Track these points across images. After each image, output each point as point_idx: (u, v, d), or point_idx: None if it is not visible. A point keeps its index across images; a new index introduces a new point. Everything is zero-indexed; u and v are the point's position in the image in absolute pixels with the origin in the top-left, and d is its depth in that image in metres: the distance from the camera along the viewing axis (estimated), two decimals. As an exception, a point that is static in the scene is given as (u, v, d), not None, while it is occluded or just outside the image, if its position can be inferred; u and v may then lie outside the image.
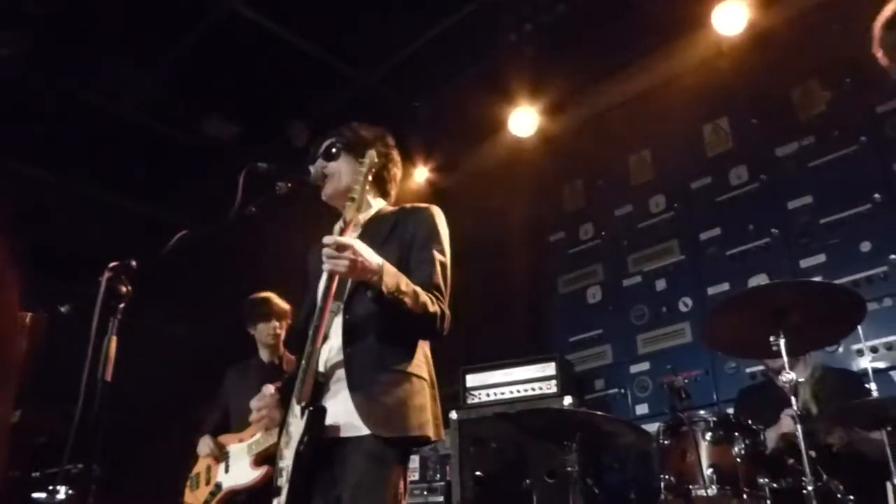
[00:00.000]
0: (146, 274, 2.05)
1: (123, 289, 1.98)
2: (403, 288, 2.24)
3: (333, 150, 2.61)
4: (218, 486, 4.00)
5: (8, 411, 0.58)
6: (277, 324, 4.30)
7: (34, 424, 4.01)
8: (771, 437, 3.18)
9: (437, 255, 2.46)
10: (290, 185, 2.47)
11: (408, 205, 2.67)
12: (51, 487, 4.09)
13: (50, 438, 4.06)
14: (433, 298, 2.35)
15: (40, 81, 5.02)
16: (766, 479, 2.88)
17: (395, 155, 2.74)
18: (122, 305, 1.96)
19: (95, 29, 4.75)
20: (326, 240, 2.20)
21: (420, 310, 2.28)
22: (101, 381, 1.86)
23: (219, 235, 2.39)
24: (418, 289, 2.31)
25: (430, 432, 2.33)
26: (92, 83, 5.20)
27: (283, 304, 4.35)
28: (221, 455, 4.05)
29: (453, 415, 4.90)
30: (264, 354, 4.34)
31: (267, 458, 3.78)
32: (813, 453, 2.68)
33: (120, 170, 5.77)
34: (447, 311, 2.40)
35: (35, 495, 4.14)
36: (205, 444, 4.09)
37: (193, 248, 2.28)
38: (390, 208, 2.67)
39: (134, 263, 2.01)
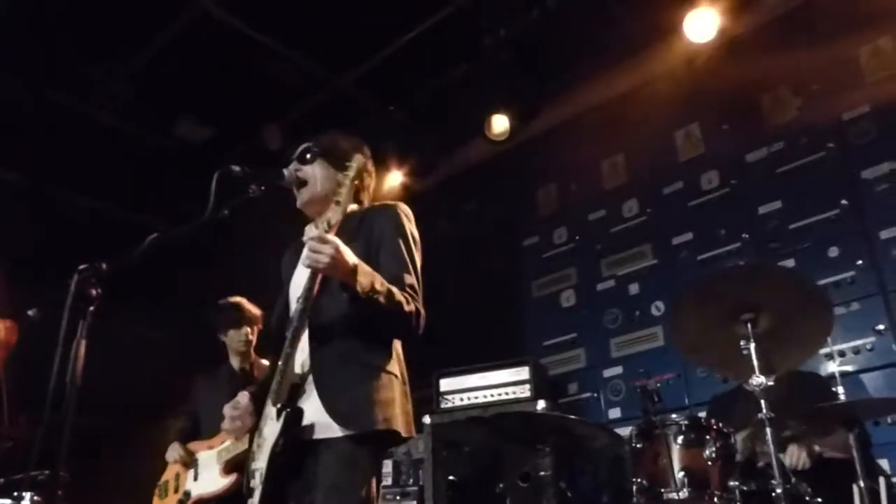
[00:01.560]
0: (116, 277, 2.02)
1: (93, 291, 1.95)
2: (378, 287, 2.23)
3: (309, 154, 2.59)
4: (187, 494, 3.95)
5: None
6: (249, 330, 4.24)
7: (0, 429, 3.94)
8: (743, 442, 3.20)
9: (407, 253, 2.46)
10: (263, 187, 2.45)
11: (375, 203, 2.66)
12: (16, 493, 4.01)
13: (16, 443, 3.99)
14: (408, 297, 2.34)
15: (7, 83, 4.94)
16: (737, 482, 2.90)
17: (371, 166, 2.74)
18: (91, 308, 1.93)
19: (65, 30, 4.68)
20: (311, 235, 2.18)
21: (395, 309, 2.27)
22: (69, 384, 1.83)
23: (190, 238, 2.36)
24: (393, 288, 2.29)
25: (399, 427, 2.31)
26: (61, 84, 5.12)
27: (254, 310, 4.31)
28: (190, 462, 4.00)
29: (427, 419, 4.89)
30: (235, 361, 4.29)
31: (237, 465, 3.73)
32: (782, 456, 2.71)
33: (90, 172, 5.69)
34: (422, 310, 2.39)
35: (0, 501, 4.06)
36: (173, 451, 4.04)
37: (165, 251, 2.26)
38: (357, 209, 2.66)
39: (104, 266, 1.98)
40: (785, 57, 4.80)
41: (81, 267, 1.96)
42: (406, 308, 2.30)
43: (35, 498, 3.92)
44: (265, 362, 4.01)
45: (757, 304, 2.83)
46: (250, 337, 4.25)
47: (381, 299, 2.22)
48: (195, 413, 4.22)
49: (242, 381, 4.07)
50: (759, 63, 4.91)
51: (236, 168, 2.35)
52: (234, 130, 5.72)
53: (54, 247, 4.52)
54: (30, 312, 2.14)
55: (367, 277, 2.21)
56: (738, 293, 2.85)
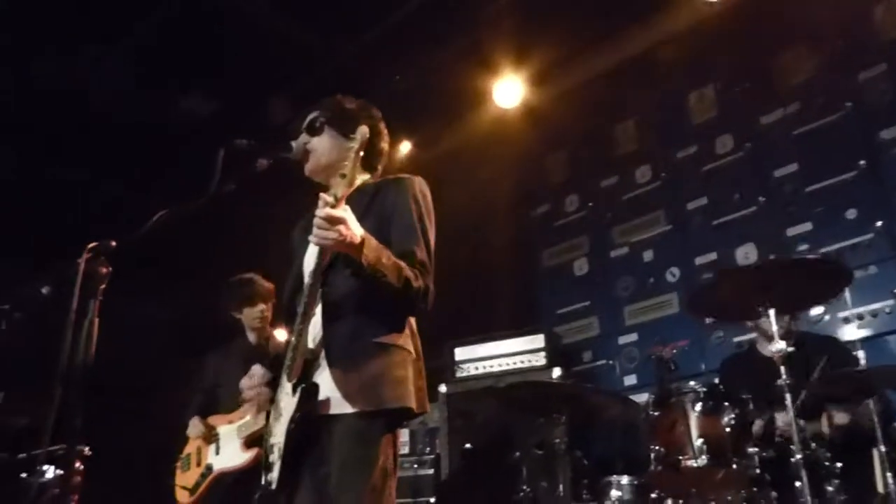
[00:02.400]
0: (125, 254, 2.00)
1: (103, 269, 1.93)
2: (385, 261, 2.19)
3: (317, 124, 2.55)
4: (209, 468, 3.98)
5: None
6: (264, 306, 4.23)
7: (16, 406, 3.97)
8: (762, 416, 3.17)
9: (420, 228, 2.41)
10: (270, 161, 2.41)
11: (390, 176, 2.61)
12: (37, 468, 4.07)
13: (31, 420, 4.03)
14: (417, 273, 2.30)
15: (7, 66, 4.90)
16: (755, 449, 2.89)
17: (382, 127, 2.67)
18: (102, 286, 1.92)
19: (66, 6, 4.62)
20: (319, 212, 2.14)
21: (402, 284, 2.24)
22: (82, 362, 1.82)
23: (198, 214, 2.32)
24: (401, 263, 2.25)
25: (412, 403, 2.28)
26: (63, 62, 5.07)
27: (267, 285, 4.29)
28: (211, 436, 4.02)
29: (442, 388, 4.90)
30: (251, 336, 4.29)
31: (257, 439, 3.75)
32: (802, 423, 2.68)
33: (93, 150, 5.65)
34: (431, 286, 2.35)
35: (23, 476, 4.11)
36: (194, 427, 4.07)
37: (173, 228, 2.23)
38: (372, 181, 2.61)
39: (113, 244, 1.96)
40: (799, 16, 4.69)
41: (91, 245, 1.94)
42: (414, 284, 2.26)
43: (56, 471, 3.98)
44: (281, 337, 4.00)
45: (772, 288, 2.78)
46: (266, 313, 4.24)
47: (388, 274, 2.19)
48: (210, 388, 4.23)
49: (259, 357, 4.06)
50: (772, 23, 4.81)
51: (242, 142, 2.31)
52: (238, 104, 5.65)
53: (60, 226, 4.51)
54: (42, 290, 2.12)
55: (374, 251, 2.17)
56: (753, 286, 2.79)
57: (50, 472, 4.08)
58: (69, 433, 1.89)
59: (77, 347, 1.82)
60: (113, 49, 5.10)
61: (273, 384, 2.44)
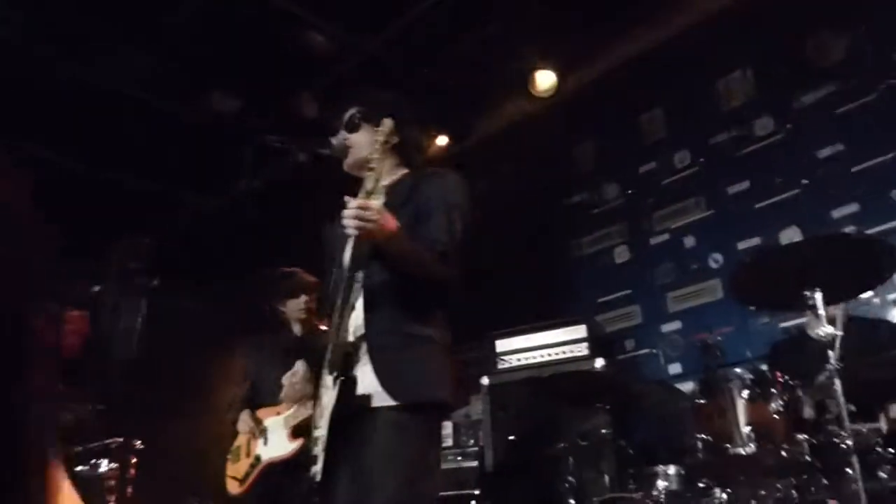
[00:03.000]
0: (165, 251, 2.03)
1: (137, 265, 1.96)
2: (412, 255, 2.22)
3: (356, 120, 2.57)
4: (258, 459, 4.07)
5: (53, 406, 0.55)
6: (307, 297, 4.28)
7: (66, 401, 4.09)
8: (811, 395, 3.10)
9: (451, 221, 2.43)
10: (309, 157, 2.43)
11: (428, 169, 2.62)
12: (94, 461, 4.18)
13: (79, 416, 4.13)
14: (442, 264, 2.32)
15: (39, 62, 4.98)
16: (805, 436, 2.83)
17: (413, 119, 2.67)
18: (148, 284, 1.95)
19: (92, 5, 4.69)
20: (350, 202, 2.16)
21: (429, 276, 2.27)
22: (129, 357, 1.85)
23: (234, 209, 2.35)
24: (428, 255, 2.28)
25: (447, 397, 2.32)
26: (91, 61, 5.14)
27: (309, 278, 4.33)
28: (259, 431, 4.10)
29: (484, 380, 4.89)
30: (297, 328, 4.34)
31: (303, 429, 3.82)
32: (853, 407, 2.62)
33: (123, 148, 5.73)
34: (457, 277, 2.37)
35: (78, 468, 4.22)
36: (244, 422, 4.14)
37: (209, 223, 2.26)
38: (410, 175, 2.62)
39: (147, 240, 1.99)
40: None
41: (124, 240, 1.98)
42: (440, 275, 2.30)
43: (111, 464, 4.10)
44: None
45: (818, 264, 2.72)
46: (309, 304, 4.28)
47: (415, 266, 2.22)
48: (253, 380, 4.29)
49: (305, 349, 4.11)
50: (804, 2, 4.71)
51: (274, 138, 2.33)
52: (265, 100, 5.68)
53: (91, 224, 4.58)
54: (93, 289, 2.17)
55: (404, 243, 2.20)
56: (798, 263, 2.73)
57: (104, 465, 4.20)
58: (122, 427, 1.94)
59: (123, 343, 1.86)
60: (141, 47, 5.15)
61: (315, 377, 2.47)
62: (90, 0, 4.63)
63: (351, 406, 2.26)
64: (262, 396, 4.14)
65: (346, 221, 2.16)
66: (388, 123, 2.38)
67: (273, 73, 5.44)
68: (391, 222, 2.17)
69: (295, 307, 4.26)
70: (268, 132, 2.35)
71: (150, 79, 5.32)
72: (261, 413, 4.16)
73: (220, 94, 5.50)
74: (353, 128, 2.58)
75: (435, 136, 5.98)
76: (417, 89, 5.43)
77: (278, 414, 4.05)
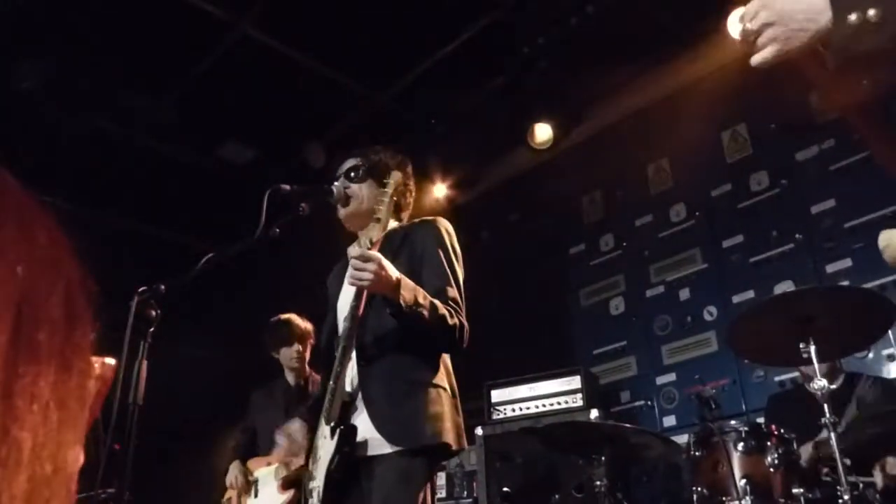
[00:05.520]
0: (174, 298, 2.06)
1: (153, 313, 1.99)
2: (421, 301, 2.25)
3: (360, 172, 2.63)
4: None
5: (78, 453, 0.58)
6: (300, 347, 4.28)
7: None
8: (807, 450, 3.12)
9: (449, 267, 2.47)
10: (312, 205, 2.48)
11: (416, 220, 2.68)
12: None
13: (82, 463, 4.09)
14: (451, 311, 2.35)
15: (56, 112, 5.07)
16: (802, 490, 2.83)
17: (411, 182, 2.75)
18: (151, 330, 1.98)
19: (109, 57, 4.79)
20: (353, 253, 2.21)
21: (439, 322, 2.29)
22: (132, 405, 1.86)
23: (242, 258, 2.40)
24: (437, 301, 2.31)
25: (450, 440, 2.31)
26: (107, 111, 5.24)
27: (305, 325, 4.34)
28: (249, 484, 4.06)
29: (479, 431, 4.87)
30: (290, 377, 4.33)
31: (293, 482, 3.78)
32: (848, 461, 2.63)
33: (137, 197, 5.81)
34: (465, 323, 2.40)
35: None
36: (231, 476, 4.10)
37: (218, 272, 2.30)
38: (399, 226, 2.68)
39: (163, 288, 2.02)
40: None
41: (141, 289, 2.01)
42: (449, 321, 2.32)
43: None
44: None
45: (815, 317, 2.76)
46: (302, 353, 4.29)
47: (425, 313, 2.24)
48: (252, 428, 4.27)
49: (297, 397, 4.12)
50: (804, 59, 4.81)
51: (286, 187, 2.39)
52: (277, 151, 5.79)
53: (104, 271, 4.60)
54: (90, 322, 2.18)
55: (411, 292, 2.23)
56: (796, 312, 2.77)
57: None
58: (119, 476, 1.93)
59: (127, 390, 1.87)
60: (156, 98, 5.26)
61: (311, 429, 2.47)
62: (108, 53, 4.73)
63: (350, 456, 2.26)
64: (262, 445, 4.13)
65: (349, 273, 2.20)
66: (397, 176, 2.44)
67: (286, 125, 5.55)
68: (393, 273, 2.21)
69: (287, 355, 4.27)
70: (280, 182, 2.40)
71: (164, 130, 5.41)
72: (253, 464, 4.12)
73: (234, 144, 5.60)
74: (354, 178, 2.62)
75: (433, 186, 6.06)
76: (424, 140, 5.54)
77: (269, 464, 4.02)
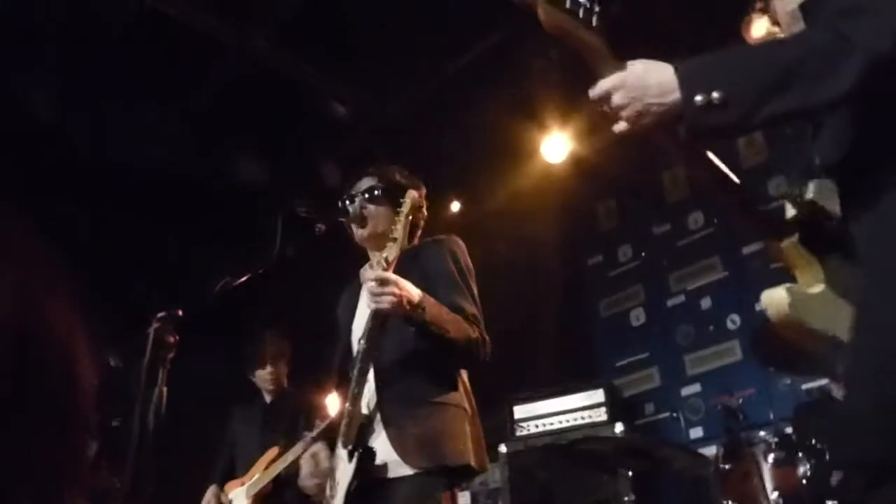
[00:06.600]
0: (192, 322, 2.04)
1: (171, 338, 1.97)
2: (446, 317, 2.24)
3: (377, 192, 2.61)
4: None
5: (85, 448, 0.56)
6: (273, 367, 4.25)
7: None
8: None
9: (465, 284, 2.46)
10: (328, 225, 2.47)
11: (429, 238, 2.67)
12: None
13: (102, 488, 4.08)
14: (472, 325, 2.34)
15: (65, 130, 5.10)
16: (835, 502, 2.76)
17: (424, 202, 2.74)
18: (170, 355, 1.96)
19: (120, 78, 4.82)
20: (369, 276, 2.19)
21: (462, 337, 2.28)
22: (152, 430, 1.85)
23: (258, 279, 2.38)
24: (458, 317, 2.30)
25: (470, 460, 2.29)
26: (119, 132, 5.26)
27: (278, 344, 4.31)
28: None
29: (502, 448, 4.82)
30: (266, 397, 4.33)
31: (263, 497, 3.79)
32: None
33: (151, 219, 5.81)
34: (486, 337, 2.38)
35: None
36: (206, 500, 4.08)
37: (234, 293, 2.28)
38: (410, 245, 2.66)
39: (180, 312, 2.01)
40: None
41: (159, 315, 1.99)
42: (472, 335, 2.32)
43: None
44: (331, 403, 4.03)
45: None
46: (276, 373, 4.26)
47: (449, 329, 2.23)
48: (229, 450, 4.27)
49: (275, 417, 4.13)
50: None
51: (302, 208, 2.38)
52: (291, 170, 5.79)
53: (119, 293, 4.61)
54: (111, 361, 2.18)
55: (435, 308, 2.22)
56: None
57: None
58: (141, 500, 1.92)
59: (147, 415, 1.85)
60: (169, 119, 5.28)
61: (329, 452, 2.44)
62: (118, 73, 4.76)
63: (369, 478, 2.24)
64: (239, 467, 4.12)
65: (367, 295, 2.18)
66: (413, 195, 2.43)
67: (300, 144, 5.56)
68: (414, 292, 2.19)
69: (261, 377, 4.25)
70: (295, 201, 2.40)
71: (177, 150, 5.43)
72: (229, 486, 4.11)
73: (247, 164, 5.61)
74: (371, 200, 2.61)
75: (447, 202, 6.04)
76: (437, 155, 5.52)
77: (242, 484, 4.02)
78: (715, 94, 1.35)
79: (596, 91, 1.54)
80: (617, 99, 1.50)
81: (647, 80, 1.46)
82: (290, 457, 3.58)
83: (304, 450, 3.09)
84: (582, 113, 5.38)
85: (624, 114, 1.50)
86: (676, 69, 1.43)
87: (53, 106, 4.74)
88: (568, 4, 1.48)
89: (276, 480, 3.75)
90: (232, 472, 4.18)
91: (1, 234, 0.54)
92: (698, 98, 1.37)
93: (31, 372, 0.52)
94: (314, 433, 2.93)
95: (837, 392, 3.55)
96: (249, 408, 4.33)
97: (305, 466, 2.45)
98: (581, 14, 1.50)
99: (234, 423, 4.35)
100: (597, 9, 1.50)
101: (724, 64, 1.44)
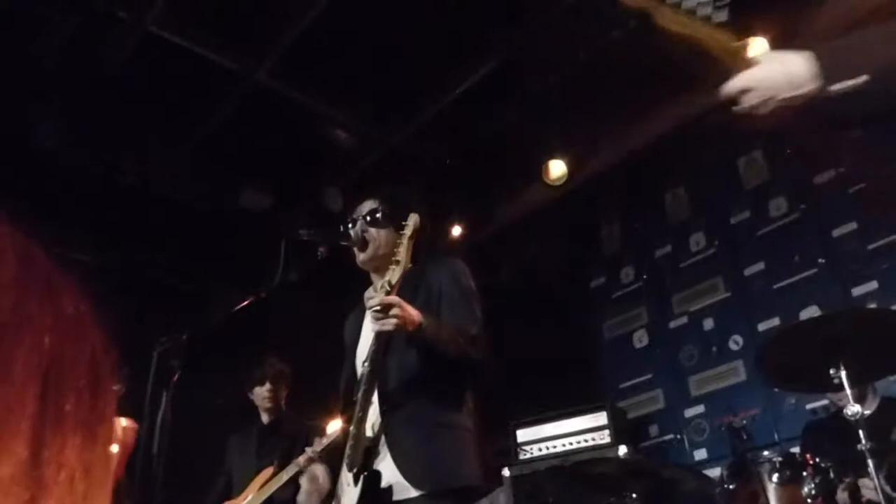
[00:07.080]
0: (196, 347, 2.06)
1: (175, 363, 1.99)
2: (447, 338, 2.25)
3: (378, 215, 2.63)
4: None
5: None
6: (272, 386, 4.28)
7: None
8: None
9: (467, 305, 2.47)
10: (330, 248, 2.49)
11: (431, 260, 2.68)
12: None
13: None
14: (474, 346, 2.35)
15: (73, 165, 5.14)
16: (842, 520, 2.75)
17: (427, 223, 2.76)
18: (174, 380, 1.97)
19: (124, 108, 4.87)
20: (371, 300, 2.20)
21: (463, 357, 2.29)
22: (157, 457, 1.85)
23: (261, 303, 2.40)
24: (459, 338, 2.31)
25: (477, 481, 2.29)
26: (124, 160, 5.31)
27: (280, 366, 4.35)
28: None
29: (506, 472, 4.78)
30: (264, 417, 4.34)
31: None
32: (889, 489, 2.55)
33: (156, 246, 5.84)
34: (488, 358, 2.39)
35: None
36: None
37: (238, 317, 2.30)
38: (412, 266, 2.67)
39: (185, 337, 2.02)
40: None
41: (163, 339, 2.01)
42: (473, 356, 2.33)
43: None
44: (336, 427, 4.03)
45: (845, 340, 2.71)
46: (275, 393, 4.28)
47: (450, 349, 2.24)
48: (228, 471, 4.27)
49: (271, 438, 4.14)
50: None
51: (304, 232, 2.40)
52: (294, 196, 5.82)
53: (123, 319, 4.62)
54: (114, 387, 2.18)
55: (436, 328, 2.23)
56: (825, 337, 2.73)
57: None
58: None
59: (152, 439, 1.86)
60: (173, 148, 5.33)
61: (333, 478, 2.44)
62: (122, 102, 4.81)
63: (376, 501, 2.23)
64: (236, 488, 4.12)
65: (371, 319, 2.19)
66: (415, 218, 2.45)
67: (303, 170, 5.60)
68: (415, 314, 2.21)
69: (259, 395, 4.29)
70: (298, 226, 2.42)
71: (182, 178, 5.47)
72: None
73: (251, 191, 5.65)
74: (374, 223, 2.63)
75: (449, 225, 6.06)
76: (440, 178, 5.55)
77: None
78: (850, 83, 1.42)
79: (727, 90, 1.65)
80: (753, 98, 1.59)
81: (777, 79, 1.55)
82: (284, 476, 3.58)
83: (298, 470, 3.11)
84: (582, 135, 5.42)
85: (759, 111, 1.60)
86: (807, 60, 1.50)
87: (56, 136, 4.78)
88: (686, 5, 1.55)
89: (270, 501, 3.75)
90: (228, 494, 4.18)
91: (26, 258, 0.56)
92: (835, 88, 1.44)
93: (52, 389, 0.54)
94: (313, 451, 2.94)
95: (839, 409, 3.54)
96: (245, 434, 4.34)
97: (305, 485, 2.45)
98: (698, 12, 1.56)
99: (229, 454, 4.36)
100: (716, 4, 1.56)
101: (854, 53, 1.51)
